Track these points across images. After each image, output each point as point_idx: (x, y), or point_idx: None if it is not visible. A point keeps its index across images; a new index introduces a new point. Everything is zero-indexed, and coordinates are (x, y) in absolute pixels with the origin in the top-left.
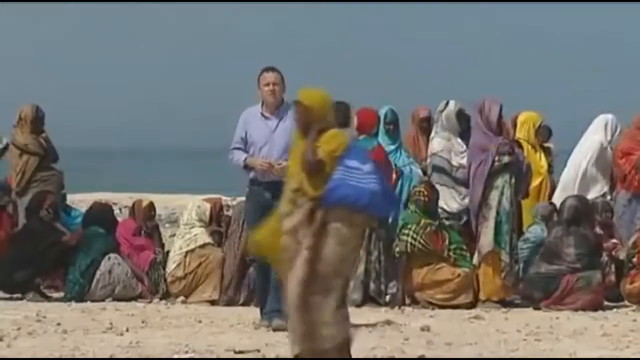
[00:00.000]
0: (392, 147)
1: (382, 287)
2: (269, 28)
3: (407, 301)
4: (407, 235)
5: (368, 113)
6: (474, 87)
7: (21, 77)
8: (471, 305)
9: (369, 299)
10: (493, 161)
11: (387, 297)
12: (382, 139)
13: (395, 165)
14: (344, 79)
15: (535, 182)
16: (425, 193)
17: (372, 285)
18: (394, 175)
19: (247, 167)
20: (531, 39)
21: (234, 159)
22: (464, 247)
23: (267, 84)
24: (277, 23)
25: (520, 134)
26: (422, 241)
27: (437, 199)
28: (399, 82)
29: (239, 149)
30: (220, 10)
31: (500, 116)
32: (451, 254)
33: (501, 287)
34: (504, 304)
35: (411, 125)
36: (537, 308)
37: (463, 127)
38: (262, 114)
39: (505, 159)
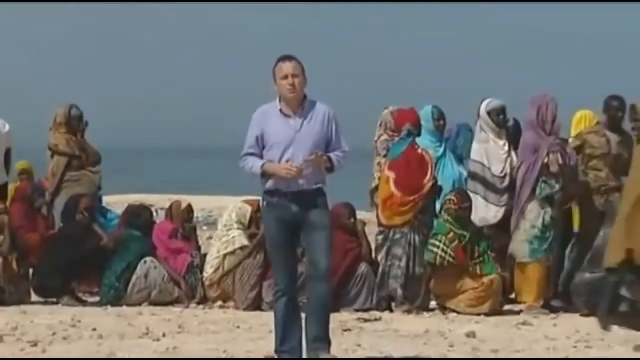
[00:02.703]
0: (440, 151)
1: (409, 294)
2: (269, 28)
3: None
4: (437, 247)
5: (406, 114)
6: (474, 87)
7: (41, 76)
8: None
9: (395, 304)
10: (542, 165)
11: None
12: (429, 139)
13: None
14: (343, 79)
15: None
16: (456, 201)
17: (399, 291)
18: (429, 175)
19: (265, 176)
20: (531, 39)
21: (248, 166)
22: (490, 252)
23: (285, 77)
24: (276, 23)
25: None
26: (452, 254)
27: (470, 207)
28: (399, 82)
29: (253, 154)
30: (221, 10)
31: (555, 115)
32: (476, 261)
33: (538, 293)
34: (552, 309)
35: None
36: (586, 315)
37: (504, 125)
38: (282, 112)
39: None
